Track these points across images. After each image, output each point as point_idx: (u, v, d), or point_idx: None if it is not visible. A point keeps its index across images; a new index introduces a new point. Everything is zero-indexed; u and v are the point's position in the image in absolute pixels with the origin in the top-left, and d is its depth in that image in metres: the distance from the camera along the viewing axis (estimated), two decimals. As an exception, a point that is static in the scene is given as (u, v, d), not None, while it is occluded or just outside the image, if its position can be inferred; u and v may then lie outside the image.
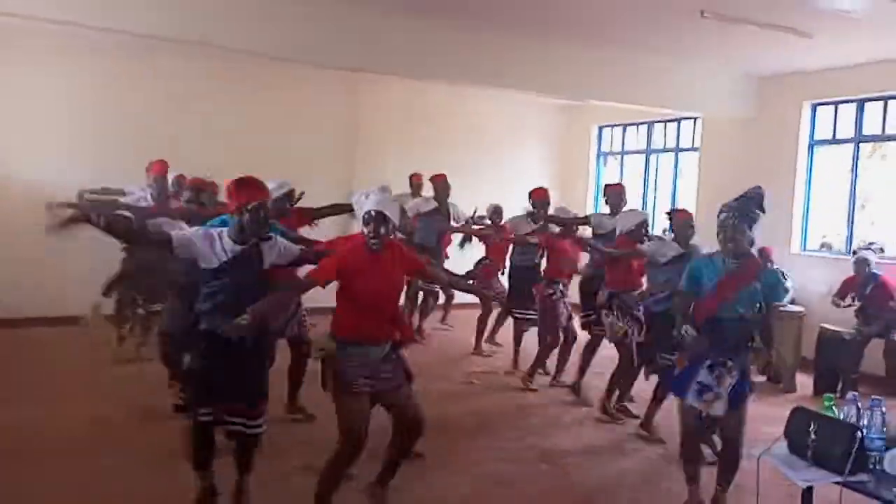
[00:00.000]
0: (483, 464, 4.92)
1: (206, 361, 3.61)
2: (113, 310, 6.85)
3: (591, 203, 11.81)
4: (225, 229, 3.63)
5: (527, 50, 7.45)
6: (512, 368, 7.33)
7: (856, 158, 8.23)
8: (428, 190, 8.47)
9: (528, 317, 7.11)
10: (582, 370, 6.47)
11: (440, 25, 6.93)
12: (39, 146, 8.20)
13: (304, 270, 4.02)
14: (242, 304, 3.38)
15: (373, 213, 3.61)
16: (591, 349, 6.47)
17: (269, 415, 4.34)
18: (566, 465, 5.01)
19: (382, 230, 3.63)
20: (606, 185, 7.16)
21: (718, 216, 4.05)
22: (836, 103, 8.40)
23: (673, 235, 5.47)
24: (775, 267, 7.14)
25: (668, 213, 5.59)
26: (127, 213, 5.52)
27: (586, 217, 7.14)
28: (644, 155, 11.15)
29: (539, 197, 7.14)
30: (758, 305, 4.05)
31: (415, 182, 8.92)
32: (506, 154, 11.37)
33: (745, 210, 3.99)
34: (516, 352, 7.47)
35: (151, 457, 4.50)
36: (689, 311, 4.12)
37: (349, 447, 3.59)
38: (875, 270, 7.02)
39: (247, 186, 3.55)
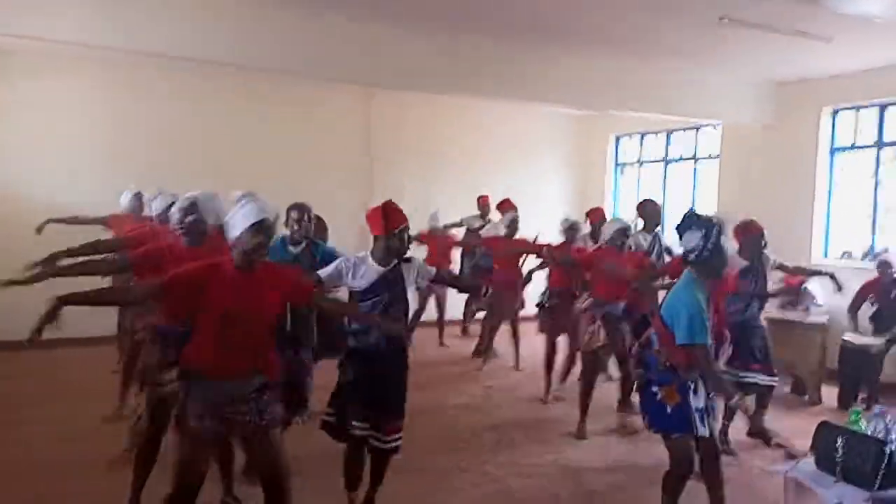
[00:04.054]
0: (504, 479, 4.87)
1: (357, 377, 3.77)
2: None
3: (608, 213, 11.74)
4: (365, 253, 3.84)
5: (543, 61, 7.41)
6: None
7: (878, 164, 8.11)
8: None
9: None
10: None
11: (455, 40, 6.92)
12: (56, 167, 8.31)
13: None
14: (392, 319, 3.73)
15: (266, 222, 3.16)
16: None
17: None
18: (589, 482, 4.94)
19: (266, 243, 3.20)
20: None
21: (712, 237, 3.65)
22: (857, 108, 8.29)
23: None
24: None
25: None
26: None
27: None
28: (662, 164, 11.07)
29: (596, 219, 7.27)
30: None
31: (482, 204, 8.91)
32: (522, 166, 11.35)
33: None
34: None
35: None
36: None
37: (179, 496, 3.12)
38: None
39: (392, 213, 3.77)
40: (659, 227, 6.71)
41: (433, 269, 4.08)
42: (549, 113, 11.29)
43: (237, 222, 3.11)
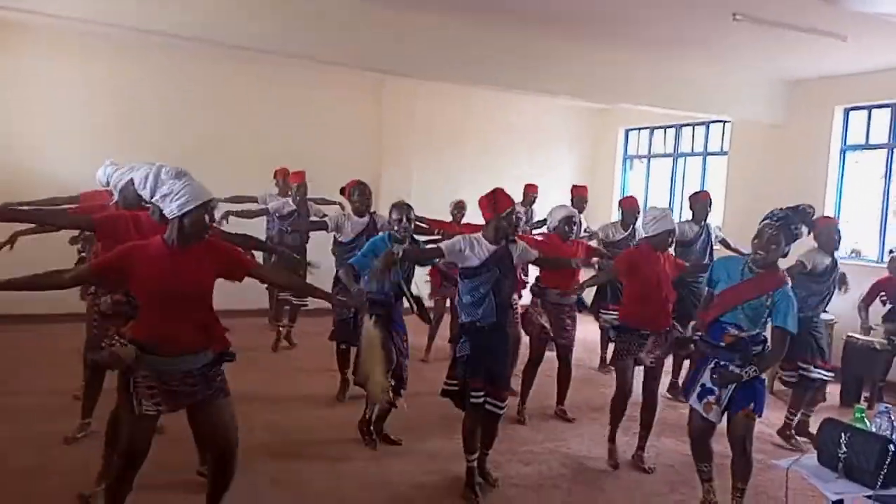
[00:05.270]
0: (505, 466, 4.90)
1: (473, 350, 4.18)
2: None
3: (616, 206, 11.73)
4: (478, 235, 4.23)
5: (555, 53, 7.40)
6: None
7: (889, 164, 8.08)
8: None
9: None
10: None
11: (468, 27, 6.90)
12: (61, 142, 8.33)
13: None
14: (502, 294, 4.16)
15: (213, 202, 3.20)
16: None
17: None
18: (588, 470, 4.98)
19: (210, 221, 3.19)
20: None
21: (761, 221, 4.03)
22: (870, 108, 8.26)
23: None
24: None
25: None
26: None
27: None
28: (671, 158, 11.05)
29: (628, 206, 7.42)
30: (763, 322, 3.95)
31: (528, 191, 8.86)
32: (531, 157, 11.33)
33: (788, 222, 3.92)
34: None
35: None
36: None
37: (123, 466, 3.17)
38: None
39: (502, 197, 4.18)
40: (708, 219, 6.94)
41: (535, 252, 4.51)
42: (558, 105, 11.26)
43: (183, 198, 3.04)
